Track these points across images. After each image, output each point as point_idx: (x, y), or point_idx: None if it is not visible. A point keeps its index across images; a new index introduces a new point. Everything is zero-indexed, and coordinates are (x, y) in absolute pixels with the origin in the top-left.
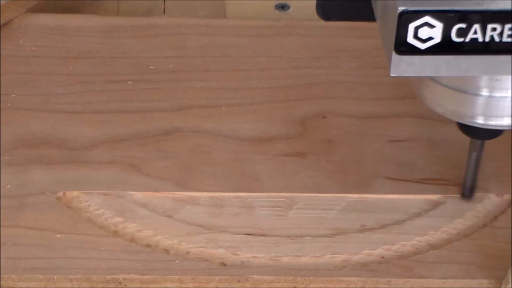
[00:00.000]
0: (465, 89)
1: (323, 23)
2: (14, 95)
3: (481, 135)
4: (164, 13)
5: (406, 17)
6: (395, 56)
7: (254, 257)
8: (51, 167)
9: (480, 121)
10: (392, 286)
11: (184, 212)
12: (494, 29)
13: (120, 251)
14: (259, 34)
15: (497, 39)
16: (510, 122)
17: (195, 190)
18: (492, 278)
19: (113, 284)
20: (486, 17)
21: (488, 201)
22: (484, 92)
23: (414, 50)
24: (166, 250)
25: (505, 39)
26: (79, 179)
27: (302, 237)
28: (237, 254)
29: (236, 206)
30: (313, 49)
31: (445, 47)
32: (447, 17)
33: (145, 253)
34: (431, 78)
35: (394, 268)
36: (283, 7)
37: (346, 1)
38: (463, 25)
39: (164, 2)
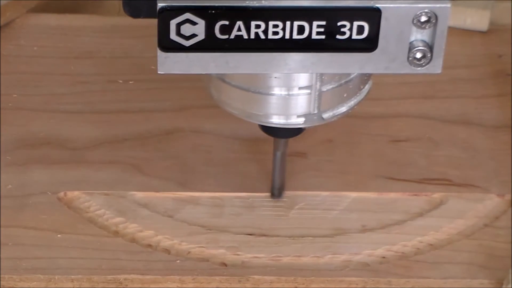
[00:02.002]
0: (254, 88)
1: None
2: (15, 95)
3: (282, 133)
4: None
5: (166, 14)
6: (160, 54)
7: (255, 257)
8: (52, 167)
9: (275, 120)
10: (393, 286)
11: (185, 212)
12: (258, 26)
13: (121, 251)
14: None
15: (262, 36)
16: (302, 120)
17: (196, 190)
18: (493, 278)
19: (114, 284)
20: (248, 14)
21: (489, 201)
22: (272, 91)
23: (179, 47)
24: (167, 250)
25: (270, 36)
26: (80, 179)
27: (303, 237)
28: (238, 254)
29: (237, 206)
30: None
31: (210, 44)
32: (208, 14)
33: (146, 253)
34: (223, 80)
35: (395, 268)
36: None
37: None
38: (226, 22)
39: None
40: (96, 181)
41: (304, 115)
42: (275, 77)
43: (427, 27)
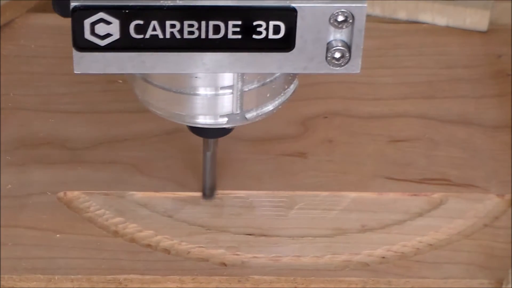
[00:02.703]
0: (176, 88)
1: None
2: (15, 95)
3: (209, 134)
4: None
5: (79, 13)
6: (76, 53)
7: (255, 257)
8: (52, 167)
9: (198, 120)
10: (393, 286)
11: (184, 212)
12: (173, 26)
13: (121, 251)
14: None
15: (178, 36)
16: (225, 120)
17: (196, 190)
18: (493, 278)
19: (114, 284)
20: (163, 14)
21: (489, 201)
22: (193, 91)
23: (94, 47)
24: (167, 250)
25: (186, 36)
26: (80, 179)
27: (302, 237)
28: (237, 254)
29: (237, 206)
30: None
31: (125, 43)
32: (122, 14)
33: (146, 253)
34: (146, 80)
35: (395, 268)
36: None
37: None
38: (140, 22)
39: None
40: (95, 181)
41: (227, 115)
42: (196, 77)
43: (344, 27)
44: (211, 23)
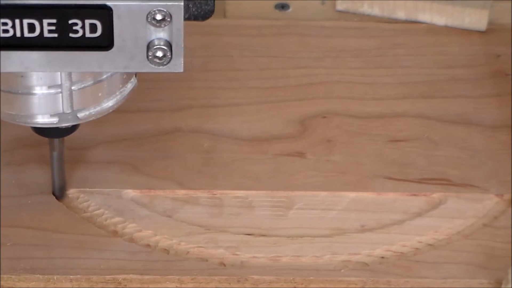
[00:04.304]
0: (4, 87)
1: (323, 23)
2: None
3: (51, 133)
4: None
5: None
6: None
7: (254, 257)
8: None
9: (30, 120)
10: (392, 286)
11: (183, 212)
12: None
13: (120, 251)
14: (259, 33)
15: None
16: (56, 119)
17: (195, 190)
18: (492, 278)
19: (113, 284)
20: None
21: (488, 201)
22: (21, 90)
23: None
24: (166, 250)
25: (1, 34)
26: (79, 178)
27: (302, 237)
28: (236, 254)
29: (236, 206)
30: (313, 48)
31: None
32: None
33: (145, 253)
34: None
35: (394, 268)
36: (283, 7)
37: None
38: None
39: None
40: (95, 180)
41: (58, 115)
42: (22, 76)
43: (163, 26)
44: (26, 21)
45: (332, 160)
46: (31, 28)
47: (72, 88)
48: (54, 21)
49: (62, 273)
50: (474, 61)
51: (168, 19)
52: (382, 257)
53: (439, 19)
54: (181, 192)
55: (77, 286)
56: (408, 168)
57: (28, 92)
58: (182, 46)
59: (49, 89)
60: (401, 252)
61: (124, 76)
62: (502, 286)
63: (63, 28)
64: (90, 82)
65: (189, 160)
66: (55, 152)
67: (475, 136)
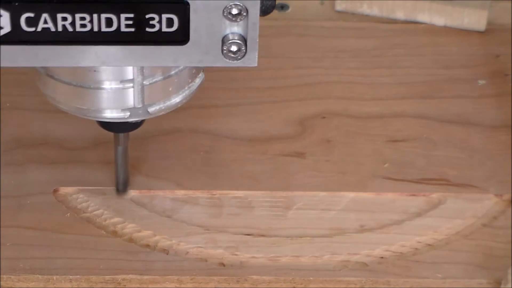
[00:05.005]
0: (76, 82)
1: (322, 23)
2: (13, 95)
3: (118, 128)
4: None
5: None
6: None
7: (253, 257)
8: (50, 167)
9: (101, 114)
10: (392, 286)
11: (183, 212)
12: (65, 19)
13: (119, 251)
14: (259, 33)
15: (70, 29)
16: (128, 114)
17: (194, 190)
18: (492, 278)
19: (112, 284)
20: (53, 7)
21: (487, 201)
22: (93, 85)
23: None
24: (165, 250)
25: (78, 29)
26: (78, 179)
27: (301, 237)
28: (236, 254)
29: (235, 206)
30: (313, 49)
31: (17, 37)
32: (12, 6)
33: (144, 253)
34: (47, 74)
35: (394, 268)
36: (282, 7)
37: None
38: (31, 15)
39: None
40: (94, 181)
41: (129, 109)
42: (95, 71)
43: (239, 20)
44: (103, 16)
45: (331, 160)
46: (109, 22)
47: (144, 82)
48: (131, 15)
49: (61, 273)
50: (473, 62)
51: (244, 14)
52: (382, 257)
53: (438, 19)
54: (180, 193)
55: (76, 286)
56: (407, 168)
57: (100, 87)
58: (257, 40)
59: (121, 83)
60: (401, 252)
61: (193, 71)
62: (502, 286)
63: (140, 22)
64: (161, 77)
65: (189, 160)
66: (120, 146)
67: (474, 136)
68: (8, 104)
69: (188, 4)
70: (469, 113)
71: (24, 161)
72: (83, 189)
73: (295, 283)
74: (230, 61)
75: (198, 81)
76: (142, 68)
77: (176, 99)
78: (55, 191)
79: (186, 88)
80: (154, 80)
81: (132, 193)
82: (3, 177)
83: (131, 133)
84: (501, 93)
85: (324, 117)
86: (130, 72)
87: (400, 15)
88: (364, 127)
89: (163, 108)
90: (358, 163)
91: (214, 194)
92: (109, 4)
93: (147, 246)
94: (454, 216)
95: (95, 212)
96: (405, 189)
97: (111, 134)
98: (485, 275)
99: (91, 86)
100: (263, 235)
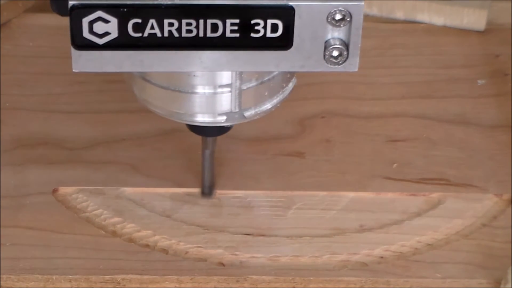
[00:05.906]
0: (174, 87)
1: None
2: (13, 95)
3: (208, 132)
4: None
5: (78, 12)
6: (74, 52)
7: (253, 257)
8: (50, 167)
9: (197, 119)
10: (391, 286)
11: (182, 212)
12: (171, 24)
13: (119, 251)
14: None
15: (176, 34)
16: (224, 118)
17: (194, 190)
18: (491, 278)
19: (112, 284)
20: (161, 12)
21: (487, 201)
22: (192, 89)
23: (93, 45)
24: (165, 250)
25: (184, 34)
26: (78, 179)
27: (301, 237)
28: (235, 254)
29: (235, 206)
30: None
31: (123, 42)
32: (121, 12)
33: (144, 253)
34: (145, 79)
35: (393, 268)
36: None
37: None
38: (138, 20)
39: None
40: (93, 181)
41: (226, 113)
42: (194, 76)
43: (342, 25)
44: (209, 21)
45: (331, 160)
46: (214, 28)
47: (241, 87)
48: (237, 21)
49: (61, 273)
50: (473, 61)
51: (348, 19)
52: (381, 257)
53: (438, 19)
54: (180, 192)
55: (76, 286)
56: (407, 168)
57: (198, 92)
58: (359, 45)
59: (219, 88)
60: (400, 252)
61: (288, 75)
62: (501, 286)
63: (245, 28)
64: (258, 81)
65: (189, 160)
66: (208, 150)
67: (474, 136)
68: (8, 104)
69: (293, 9)
70: (468, 113)
71: (23, 161)
72: (82, 189)
73: (295, 283)
74: (332, 66)
75: (291, 85)
76: (241, 73)
77: (270, 104)
78: (55, 191)
79: (280, 92)
80: (251, 84)
81: (132, 193)
82: (3, 177)
83: (131, 133)
84: (501, 93)
85: (323, 117)
86: (228, 76)
87: (399, 15)
88: (363, 127)
89: (258, 112)
90: (357, 163)
91: (214, 192)
92: (216, 10)
93: (147, 246)
94: (454, 216)
95: (94, 212)
96: (405, 189)
97: (111, 134)
98: (485, 275)
99: (189, 91)
100: (263, 235)
